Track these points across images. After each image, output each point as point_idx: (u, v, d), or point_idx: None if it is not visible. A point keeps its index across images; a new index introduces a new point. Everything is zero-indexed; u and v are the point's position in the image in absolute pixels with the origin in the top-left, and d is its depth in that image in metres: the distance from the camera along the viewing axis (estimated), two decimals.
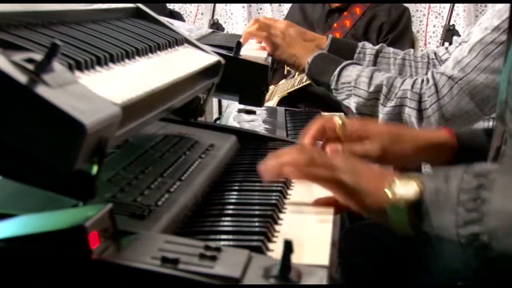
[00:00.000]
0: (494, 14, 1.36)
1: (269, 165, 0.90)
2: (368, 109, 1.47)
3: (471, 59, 1.36)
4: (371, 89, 1.45)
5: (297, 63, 1.59)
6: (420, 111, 1.40)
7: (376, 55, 1.70)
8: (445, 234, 0.77)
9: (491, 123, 1.52)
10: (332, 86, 1.51)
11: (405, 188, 0.81)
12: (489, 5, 1.48)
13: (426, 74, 1.57)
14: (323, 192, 0.98)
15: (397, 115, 1.43)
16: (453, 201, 0.77)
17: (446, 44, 2.72)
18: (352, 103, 1.49)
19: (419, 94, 1.41)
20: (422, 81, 1.42)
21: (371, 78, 1.46)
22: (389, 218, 0.82)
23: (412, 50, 1.77)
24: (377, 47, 1.72)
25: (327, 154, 0.99)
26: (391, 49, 1.74)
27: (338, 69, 1.50)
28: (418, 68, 1.71)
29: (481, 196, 0.75)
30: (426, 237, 0.79)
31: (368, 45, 1.73)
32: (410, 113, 1.41)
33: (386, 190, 0.82)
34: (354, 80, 1.47)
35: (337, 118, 1.08)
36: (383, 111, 1.45)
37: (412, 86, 1.42)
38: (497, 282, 0.78)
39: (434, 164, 1.15)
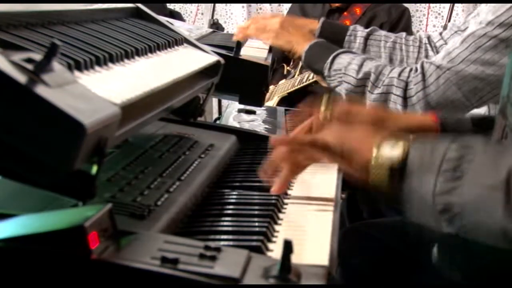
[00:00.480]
0: (489, 9, 1.37)
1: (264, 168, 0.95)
2: (357, 96, 1.48)
3: (461, 50, 1.37)
4: (360, 76, 1.46)
5: (294, 49, 1.62)
6: (405, 98, 1.42)
7: (367, 37, 1.71)
8: (422, 199, 0.78)
9: (483, 111, 1.52)
10: (325, 73, 1.53)
11: (391, 149, 0.82)
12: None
13: (417, 57, 1.58)
14: (323, 191, 0.99)
15: (383, 103, 1.44)
16: (435, 168, 0.78)
17: (441, 29, 2.72)
18: (342, 89, 1.51)
19: (406, 82, 1.42)
20: (411, 70, 1.43)
21: (361, 65, 1.47)
22: (371, 175, 0.83)
23: (404, 33, 1.77)
24: (367, 30, 1.73)
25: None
26: (383, 32, 1.74)
27: (331, 56, 1.52)
28: (409, 52, 1.72)
29: (461, 168, 0.76)
30: (404, 198, 0.80)
31: (359, 27, 1.74)
32: (395, 100, 1.42)
33: (373, 149, 0.83)
34: (344, 67, 1.49)
35: (321, 111, 1.09)
36: (370, 98, 1.46)
37: (400, 74, 1.43)
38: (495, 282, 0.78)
39: None
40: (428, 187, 0.78)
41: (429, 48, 1.73)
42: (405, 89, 1.41)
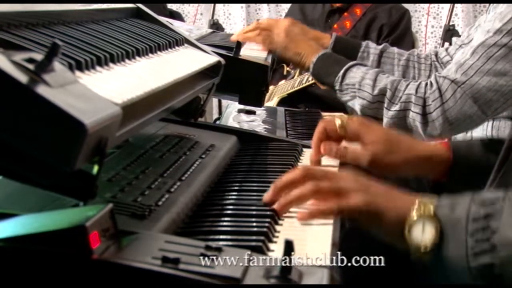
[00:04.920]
0: (495, 17, 1.36)
1: (280, 203, 0.89)
2: (372, 112, 1.47)
3: (473, 62, 1.36)
4: (376, 92, 1.45)
5: (302, 61, 1.60)
6: (424, 115, 1.40)
7: (380, 55, 1.71)
8: (455, 265, 0.78)
9: (496, 123, 1.51)
10: (337, 87, 1.51)
11: (423, 233, 0.81)
12: (491, 7, 1.48)
13: (429, 76, 1.57)
14: None
15: (401, 119, 1.43)
16: (462, 231, 0.77)
17: (446, 44, 2.73)
18: (356, 105, 1.49)
19: (424, 98, 1.40)
20: (426, 84, 1.42)
21: (375, 80, 1.46)
22: (412, 256, 0.83)
23: (416, 50, 1.77)
24: (380, 47, 1.73)
25: (333, 174, 0.95)
26: (396, 49, 1.74)
27: (342, 70, 1.50)
28: (421, 70, 1.71)
29: (490, 226, 0.75)
30: (440, 266, 0.80)
31: (371, 44, 1.73)
32: (414, 117, 1.41)
33: (406, 237, 0.83)
34: (358, 82, 1.48)
35: (337, 119, 1.09)
36: (387, 115, 1.44)
37: (416, 91, 1.41)
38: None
39: (427, 176, 1.15)
40: (458, 251, 0.77)
41: (437, 65, 1.72)
42: (424, 106, 1.40)
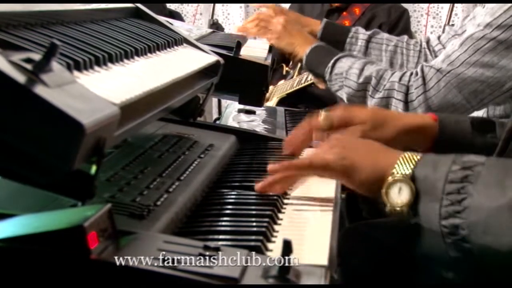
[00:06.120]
0: (487, 12, 1.37)
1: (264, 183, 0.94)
2: (358, 100, 1.49)
3: (460, 53, 1.37)
4: (361, 80, 1.47)
5: (295, 52, 1.63)
6: (406, 103, 1.42)
7: (368, 40, 1.72)
8: (428, 222, 0.79)
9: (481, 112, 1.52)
10: (326, 77, 1.54)
11: (399, 195, 0.82)
12: None
13: (417, 62, 1.59)
14: (322, 191, 0.98)
15: (384, 107, 1.45)
16: (439, 191, 0.78)
17: (439, 30, 2.74)
18: (344, 94, 1.51)
19: (407, 86, 1.42)
20: (411, 74, 1.43)
21: (362, 69, 1.48)
22: (388, 213, 0.84)
23: (406, 37, 1.78)
24: (369, 32, 1.74)
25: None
26: (385, 35, 1.75)
27: (332, 60, 1.52)
28: (409, 56, 1.72)
29: (465, 189, 0.76)
30: (415, 226, 0.81)
31: (361, 30, 1.75)
32: (397, 104, 1.42)
33: (383, 197, 0.84)
34: (345, 71, 1.50)
35: (320, 115, 1.10)
36: (371, 102, 1.46)
37: (400, 79, 1.43)
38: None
39: (415, 148, 1.16)
40: (433, 210, 0.78)
41: (427, 52, 1.73)
42: (406, 93, 1.42)
